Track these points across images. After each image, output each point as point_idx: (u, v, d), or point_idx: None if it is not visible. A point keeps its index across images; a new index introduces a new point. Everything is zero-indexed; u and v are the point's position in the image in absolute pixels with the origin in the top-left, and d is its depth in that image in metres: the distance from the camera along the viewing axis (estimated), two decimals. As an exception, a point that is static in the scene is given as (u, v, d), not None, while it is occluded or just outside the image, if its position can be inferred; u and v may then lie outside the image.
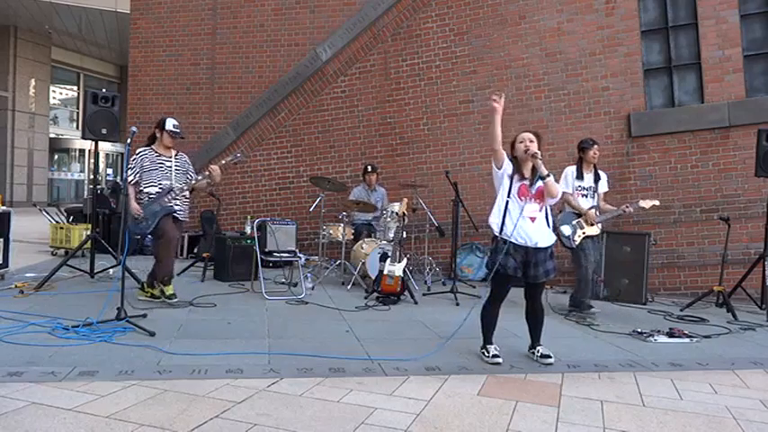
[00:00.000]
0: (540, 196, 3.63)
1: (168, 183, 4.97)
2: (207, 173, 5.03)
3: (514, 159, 3.69)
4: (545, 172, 3.55)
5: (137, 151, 4.98)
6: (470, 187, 7.64)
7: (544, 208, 3.66)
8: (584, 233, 5.32)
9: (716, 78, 7.01)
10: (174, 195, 4.94)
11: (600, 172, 5.54)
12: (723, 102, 6.93)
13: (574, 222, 5.33)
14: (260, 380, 3.17)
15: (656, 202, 5.49)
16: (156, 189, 4.93)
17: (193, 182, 5.08)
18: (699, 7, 7.10)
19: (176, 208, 4.99)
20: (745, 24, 7.01)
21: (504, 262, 3.57)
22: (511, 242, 3.57)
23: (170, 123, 5.01)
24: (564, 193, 5.18)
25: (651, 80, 7.37)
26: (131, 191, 4.88)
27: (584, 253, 5.29)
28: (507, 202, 3.61)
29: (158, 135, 5.04)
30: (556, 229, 5.25)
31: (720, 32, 7.00)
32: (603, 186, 5.56)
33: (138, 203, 4.88)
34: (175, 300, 5.00)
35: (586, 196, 5.41)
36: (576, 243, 5.29)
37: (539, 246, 3.58)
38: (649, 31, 7.39)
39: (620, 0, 7.38)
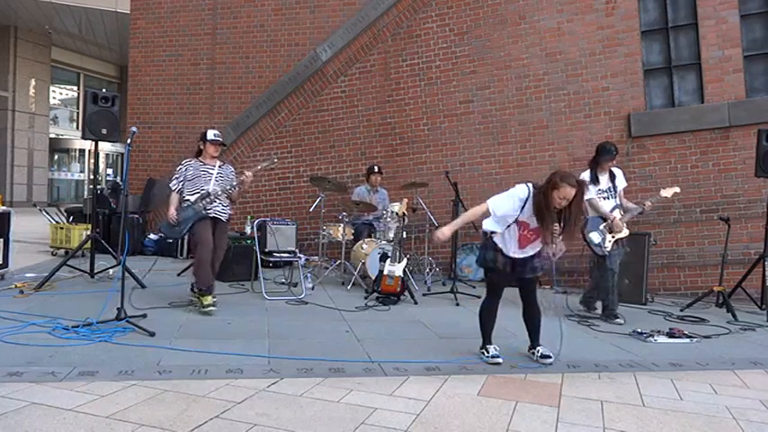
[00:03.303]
0: (539, 234, 3.55)
1: (208, 188, 5.02)
2: (242, 178, 5.06)
3: (542, 196, 3.42)
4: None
5: (183, 162, 5.16)
6: (470, 187, 7.63)
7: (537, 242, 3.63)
8: (613, 237, 5.15)
9: (716, 78, 7.01)
10: (210, 200, 4.95)
11: (613, 169, 5.31)
12: (723, 102, 6.93)
13: (601, 227, 5.15)
14: (260, 380, 3.17)
15: (677, 189, 5.32)
16: (196, 196, 4.99)
17: (228, 188, 5.06)
18: (699, 7, 7.10)
19: (214, 209, 4.97)
20: (745, 24, 7.02)
21: (493, 257, 3.66)
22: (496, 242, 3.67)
23: (211, 134, 5.15)
24: (588, 199, 4.91)
25: (651, 80, 7.37)
26: (174, 199, 5.02)
27: (610, 256, 5.14)
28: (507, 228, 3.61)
29: (202, 147, 5.15)
30: (584, 238, 5.16)
31: (720, 32, 7.00)
32: (622, 182, 5.36)
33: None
34: (213, 309, 4.76)
35: (607, 198, 5.24)
36: (608, 249, 5.12)
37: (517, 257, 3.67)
38: (649, 31, 7.39)
39: (620, 0, 7.38)
